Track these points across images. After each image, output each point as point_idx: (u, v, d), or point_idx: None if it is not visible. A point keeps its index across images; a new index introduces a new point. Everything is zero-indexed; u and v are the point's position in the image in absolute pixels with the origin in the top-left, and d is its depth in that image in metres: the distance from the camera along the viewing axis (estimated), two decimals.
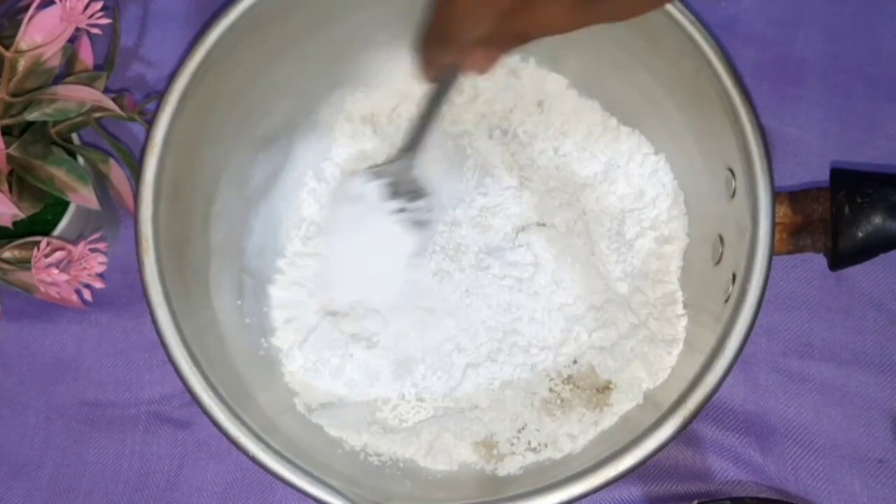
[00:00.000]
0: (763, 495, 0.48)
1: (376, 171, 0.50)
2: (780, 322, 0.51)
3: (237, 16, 0.45)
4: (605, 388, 0.47)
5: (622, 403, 0.46)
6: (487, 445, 0.47)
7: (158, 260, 0.42)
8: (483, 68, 0.38)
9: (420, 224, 0.49)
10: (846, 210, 0.44)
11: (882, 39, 0.56)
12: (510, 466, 0.46)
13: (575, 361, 0.48)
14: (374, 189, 0.49)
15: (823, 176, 0.53)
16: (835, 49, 0.56)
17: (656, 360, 0.47)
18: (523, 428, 0.47)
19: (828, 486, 0.48)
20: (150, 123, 0.51)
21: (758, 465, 0.49)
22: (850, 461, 0.49)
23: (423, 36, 0.40)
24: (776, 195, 0.43)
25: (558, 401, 0.47)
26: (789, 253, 0.45)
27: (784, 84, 0.55)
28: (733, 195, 0.45)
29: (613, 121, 0.52)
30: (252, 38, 0.46)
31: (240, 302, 0.49)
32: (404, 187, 0.49)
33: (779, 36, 0.56)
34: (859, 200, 0.44)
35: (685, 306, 0.48)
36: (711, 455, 0.49)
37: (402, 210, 0.49)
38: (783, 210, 0.45)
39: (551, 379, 0.48)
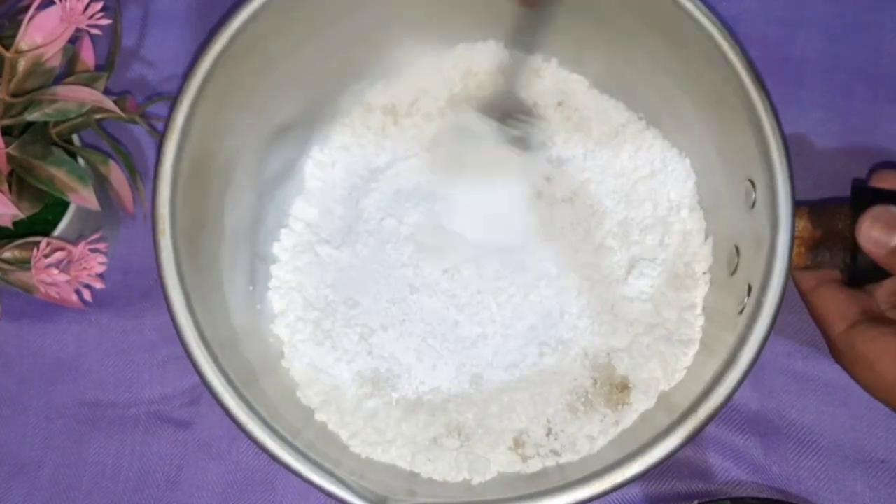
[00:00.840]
0: (764, 495, 0.48)
1: (477, 102, 0.50)
2: (786, 322, 0.51)
3: (263, 0, 0.45)
4: (623, 387, 0.47)
5: (641, 403, 0.46)
6: (518, 444, 0.46)
7: (174, 241, 0.43)
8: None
9: (521, 141, 0.49)
10: None
11: (883, 39, 0.56)
12: (533, 468, 0.46)
13: (593, 359, 0.48)
14: (476, 119, 0.49)
15: (824, 178, 0.53)
16: (835, 49, 0.56)
17: (672, 359, 0.46)
18: (549, 431, 0.47)
19: (830, 487, 0.48)
20: (153, 127, 0.52)
21: (760, 465, 0.49)
22: (852, 461, 0.49)
23: None
24: (796, 208, 0.42)
25: (583, 398, 0.47)
26: (807, 268, 0.45)
27: (784, 84, 0.55)
28: (753, 206, 0.44)
29: (636, 122, 0.52)
30: (275, 25, 0.46)
31: (251, 287, 0.49)
32: (506, 110, 0.49)
33: (779, 36, 0.56)
34: None
35: (703, 309, 0.48)
36: (713, 454, 0.49)
37: (507, 127, 0.49)
38: (802, 224, 0.44)
39: (575, 379, 0.48)
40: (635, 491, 0.49)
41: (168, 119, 0.44)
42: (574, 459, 0.45)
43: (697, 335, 0.47)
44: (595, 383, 0.47)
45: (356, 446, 0.46)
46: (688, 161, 0.51)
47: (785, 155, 0.42)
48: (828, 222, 0.44)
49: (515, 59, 0.49)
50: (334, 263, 0.50)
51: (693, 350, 0.47)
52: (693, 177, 0.50)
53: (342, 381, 0.48)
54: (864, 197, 0.45)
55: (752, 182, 0.44)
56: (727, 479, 0.48)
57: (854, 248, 0.44)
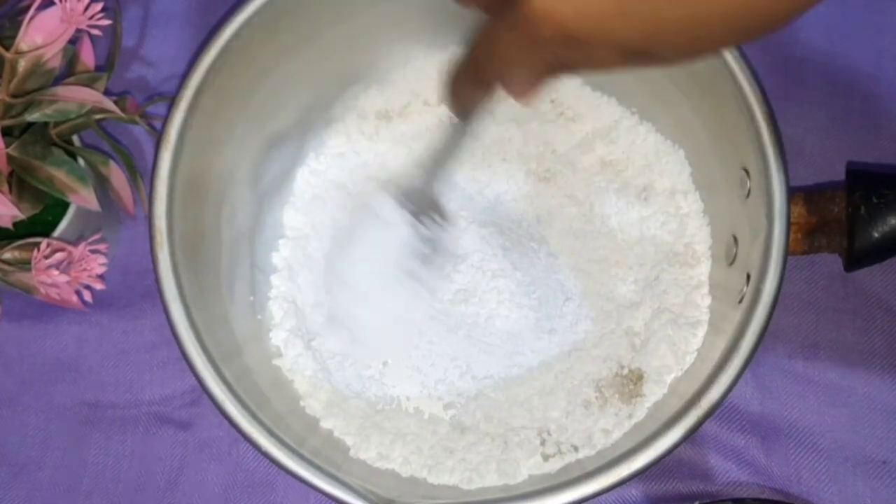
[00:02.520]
0: (765, 496, 0.48)
1: (395, 188, 0.48)
2: (787, 323, 0.51)
3: (253, 11, 0.45)
4: (637, 378, 0.47)
5: (653, 394, 0.46)
6: (541, 442, 0.46)
7: (172, 254, 0.43)
8: (522, 97, 0.34)
9: (431, 242, 0.48)
10: (862, 210, 0.44)
11: (883, 40, 0.56)
12: (555, 466, 0.45)
13: (604, 352, 0.48)
14: (391, 206, 0.48)
15: (826, 176, 0.53)
16: (835, 49, 0.56)
17: (682, 343, 0.46)
18: (565, 429, 0.47)
19: (831, 488, 0.48)
20: (153, 128, 0.52)
21: (761, 466, 0.48)
22: (854, 462, 0.48)
23: (455, 70, 0.36)
24: (791, 195, 0.42)
25: (597, 393, 0.47)
26: (804, 253, 0.45)
27: (785, 84, 0.55)
28: (748, 195, 0.44)
29: (629, 117, 0.52)
30: (267, 34, 0.47)
31: (252, 298, 0.49)
32: (422, 206, 0.48)
33: (779, 36, 0.56)
34: (875, 200, 0.44)
35: (710, 288, 0.48)
36: (714, 455, 0.49)
37: (419, 226, 0.48)
38: (798, 210, 0.45)
39: (586, 374, 0.48)
40: (636, 492, 0.49)
41: (161, 132, 0.44)
42: (591, 454, 0.45)
43: (705, 316, 0.47)
44: (608, 376, 0.47)
45: (363, 451, 0.46)
46: (682, 152, 0.51)
47: (777, 142, 0.42)
48: (823, 208, 0.45)
49: (435, 160, 0.46)
50: (332, 272, 0.50)
51: (702, 331, 0.47)
52: (688, 168, 0.50)
53: (345, 389, 0.48)
54: (858, 180, 0.45)
55: (746, 171, 0.45)
56: (728, 481, 0.48)
57: (851, 233, 0.44)
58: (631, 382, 0.47)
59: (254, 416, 0.41)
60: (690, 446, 0.49)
